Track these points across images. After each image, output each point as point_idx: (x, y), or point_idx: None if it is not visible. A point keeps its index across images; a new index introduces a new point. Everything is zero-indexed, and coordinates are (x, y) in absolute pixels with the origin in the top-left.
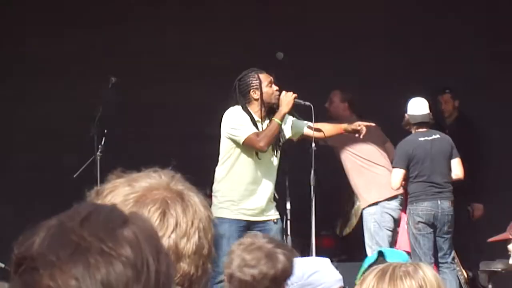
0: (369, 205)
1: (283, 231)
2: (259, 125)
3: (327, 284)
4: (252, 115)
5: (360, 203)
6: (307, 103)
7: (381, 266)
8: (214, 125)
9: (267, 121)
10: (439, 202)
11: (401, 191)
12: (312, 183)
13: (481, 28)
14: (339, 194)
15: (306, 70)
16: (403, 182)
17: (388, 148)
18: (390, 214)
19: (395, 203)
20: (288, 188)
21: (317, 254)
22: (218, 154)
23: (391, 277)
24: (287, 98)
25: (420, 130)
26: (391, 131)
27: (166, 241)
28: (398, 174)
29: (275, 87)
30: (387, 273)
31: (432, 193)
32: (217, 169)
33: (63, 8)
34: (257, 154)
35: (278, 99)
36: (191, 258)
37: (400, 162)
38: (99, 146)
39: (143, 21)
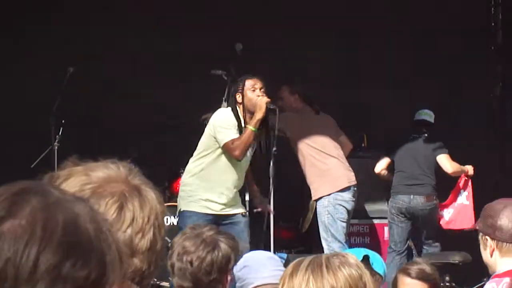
0: (322, 197)
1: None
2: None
3: (249, 280)
4: (240, 119)
5: (313, 195)
6: (272, 106)
7: (306, 259)
8: (175, 116)
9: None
10: (412, 197)
11: (354, 182)
12: (271, 174)
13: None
14: (302, 188)
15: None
16: (385, 172)
17: (342, 141)
18: (343, 206)
19: (348, 195)
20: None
21: (276, 245)
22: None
23: (328, 267)
24: (259, 103)
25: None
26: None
27: (122, 236)
28: (383, 160)
29: (257, 93)
30: (323, 265)
31: (408, 186)
32: (191, 162)
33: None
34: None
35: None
36: (144, 255)
37: (388, 152)
38: (57, 136)
39: (99, 10)
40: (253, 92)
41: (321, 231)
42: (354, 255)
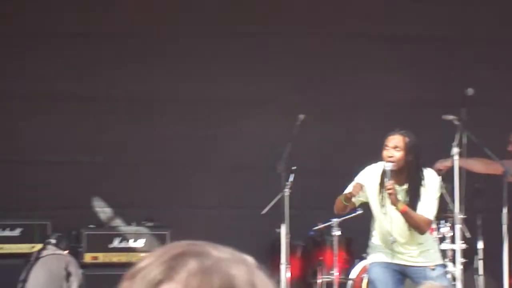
0: None
1: (443, 276)
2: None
3: None
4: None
5: None
6: (388, 168)
7: None
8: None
9: (404, 186)
10: None
11: None
12: (504, 222)
13: None
14: None
15: None
16: None
17: None
18: None
19: None
20: (481, 227)
21: None
22: None
23: None
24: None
25: None
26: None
27: None
28: None
29: (387, 154)
30: None
31: None
32: None
33: None
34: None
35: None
36: None
37: None
38: (287, 183)
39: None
40: (385, 152)
41: None
42: None
